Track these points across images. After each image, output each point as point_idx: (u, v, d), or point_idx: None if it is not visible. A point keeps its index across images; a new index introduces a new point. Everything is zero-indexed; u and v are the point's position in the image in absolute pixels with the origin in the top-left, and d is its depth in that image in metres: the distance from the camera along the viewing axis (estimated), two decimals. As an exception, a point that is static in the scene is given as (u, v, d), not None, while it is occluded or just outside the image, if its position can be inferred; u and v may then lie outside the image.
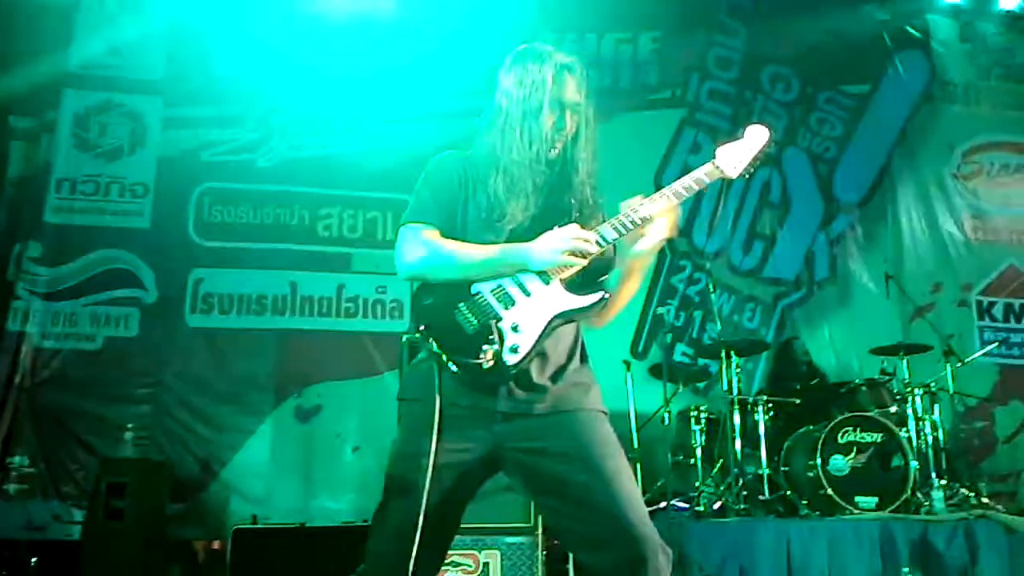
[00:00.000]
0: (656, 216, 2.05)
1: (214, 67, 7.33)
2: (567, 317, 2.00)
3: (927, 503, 5.31)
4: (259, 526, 5.98)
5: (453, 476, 1.91)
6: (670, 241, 7.26)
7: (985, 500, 5.53)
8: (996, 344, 6.95)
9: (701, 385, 7.18)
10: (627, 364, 5.77)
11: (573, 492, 1.86)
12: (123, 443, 5.78)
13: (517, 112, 2.09)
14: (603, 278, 2.10)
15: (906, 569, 4.79)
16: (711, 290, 6.56)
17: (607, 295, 2.04)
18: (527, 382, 1.93)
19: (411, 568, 1.77)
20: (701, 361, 7.30)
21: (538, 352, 1.93)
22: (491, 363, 1.87)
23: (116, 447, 5.90)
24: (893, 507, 5.13)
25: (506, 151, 2.06)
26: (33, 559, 5.96)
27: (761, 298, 7.87)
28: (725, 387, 5.73)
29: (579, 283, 2.03)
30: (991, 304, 8.19)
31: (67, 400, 6.42)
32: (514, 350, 1.91)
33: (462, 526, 4.19)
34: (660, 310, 6.50)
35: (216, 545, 6.15)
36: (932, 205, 8.33)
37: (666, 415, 5.56)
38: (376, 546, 1.92)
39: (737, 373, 5.75)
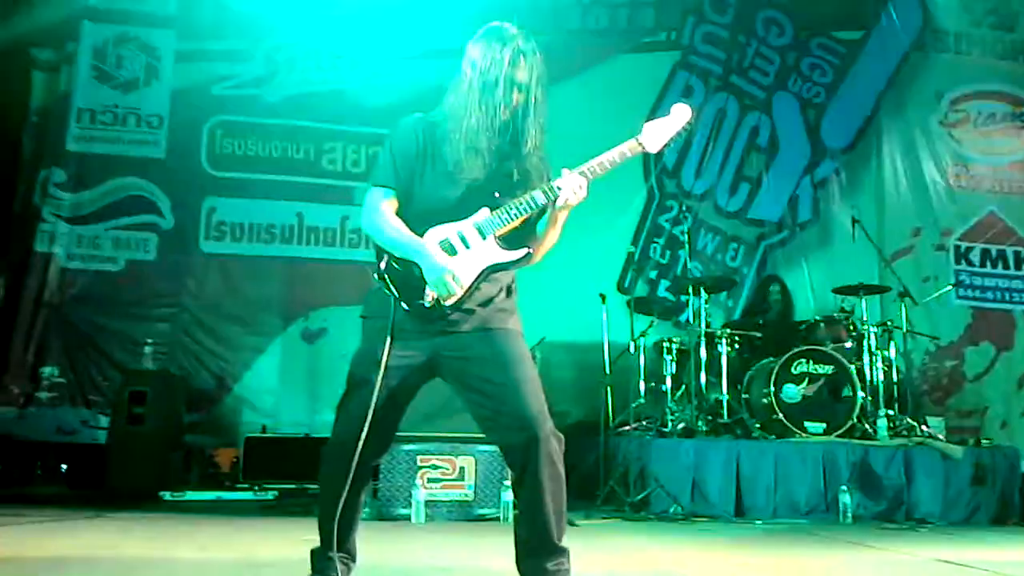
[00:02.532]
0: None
1: (225, 1, 7.67)
2: (497, 268, 2.43)
3: (872, 431, 5.78)
4: (268, 435, 6.61)
5: (402, 376, 2.42)
6: (659, 181, 7.57)
7: (927, 430, 5.98)
8: (949, 288, 7.34)
9: (682, 319, 7.58)
10: (603, 297, 6.22)
11: (490, 389, 2.37)
12: (144, 357, 6.30)
13: (478, 83, 2.43)
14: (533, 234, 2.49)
15: (844, 487, 5.30)
16: (692, 229, 6.92)
17: (531, 251, 2.46)
18: (460, 308, 2.39)
19: (360, 445, 2.30)
20: (682, 298, 7.71)
21: (474, 290, 2.38)
22: (432, 303, 2.36)
23: (137, 361, 6.44)
24: (839, 433, 5.63)
25: (467, 115, 2.42)
26: (63, 466, 6.60)
27: (745, 238, 8.25)
28: (689, 320, 6.21)
29: (512, 238, 2.44)
30: (968, 249, 8.52)
31: (92, 317, 7.02)
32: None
33: (442, 435, 4.81)
34: (631, 248, 6.88)
35: (232, 456, 6.70)
36: (916, 152, 8.60)
37: (632, 345, 6.02)
38: (339, 426, 2.46)
39: (706, 307, 6.19)
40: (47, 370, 6.87)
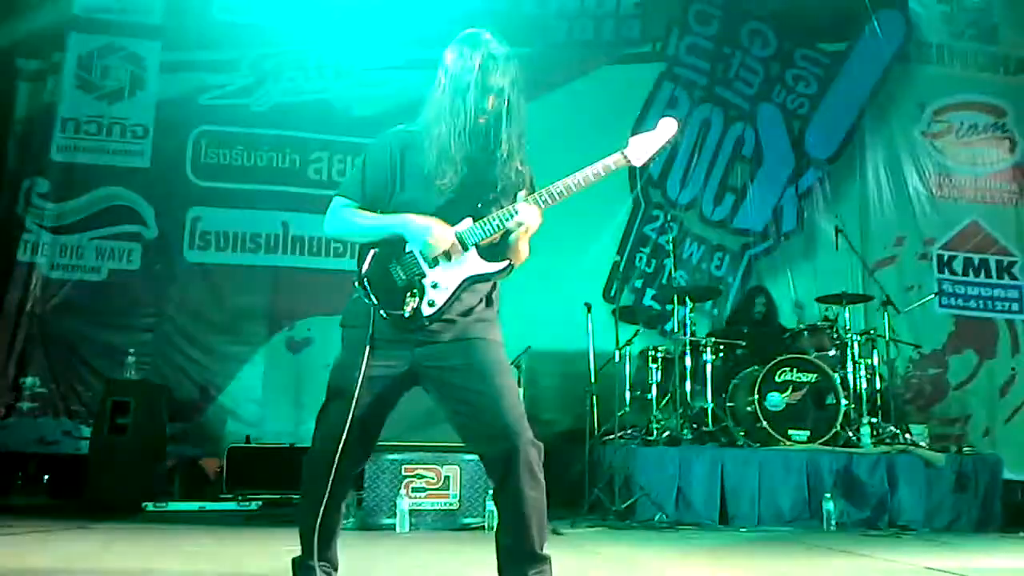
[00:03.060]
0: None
1: (210, 12, 7.68)
2: (478, 280, 2.43)
3: (855, 438, 5.81)
4: (252, 445, 6.57)
5: (382, 386, 2.42)
6: (645, 191, 7.63)
7: (910, 437, 6.01)
8: (932, 296, 7.41)
9: (667, 327, 7.59)
10: (588, 307, 6.23)
11: (470, 398, 2.37)
12: (126, 366, 6.25)
13: (450, 89, 2.42)
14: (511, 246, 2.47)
15: (828, 495, 5.32)
16: (677, 239, 6.96)
17: (513, 263, 2.47)
18: (441, 318, 2.39)
19: (339, 451, 2.30)
20: (668, 307, 7.73)
21: (455, 300, 2.38)
22: (411, 313, 2.37)
23: (120, 370, 6.39)
24: (823, 441, 5.65)
25: (438, 122, 2.42)
26: (46, 477, 6.55)
27: (729, 247, 8.29)
28: (675, 328, 6.24)
29: (492, 249, 2.44)
30: (951, 258, 8.58)
31: (75, 326, 6.96)
32: (431, 304, 2.39)
33: (427, 444, 4.80)
34: (616, 258, 6.92)
35: (217, 466, 6.67)
36: (900, 162, 8.67)
37: (617, 354, 6.04)
38: (319, 435, 2.44)
39: (691, 316, 6.22)
40: (29, 380, 6.81)
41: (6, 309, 6.89)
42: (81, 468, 6.06)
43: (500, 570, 2.37)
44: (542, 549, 2.35)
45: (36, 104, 7.44)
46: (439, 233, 2.36)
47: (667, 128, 2.51)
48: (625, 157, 2.47)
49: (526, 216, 2.36)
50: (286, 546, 2.51)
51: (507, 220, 2.37)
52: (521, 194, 2.42)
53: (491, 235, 2.40)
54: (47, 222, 7.15)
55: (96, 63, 7.53)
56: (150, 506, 5.68)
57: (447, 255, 2.38)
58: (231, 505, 5.99)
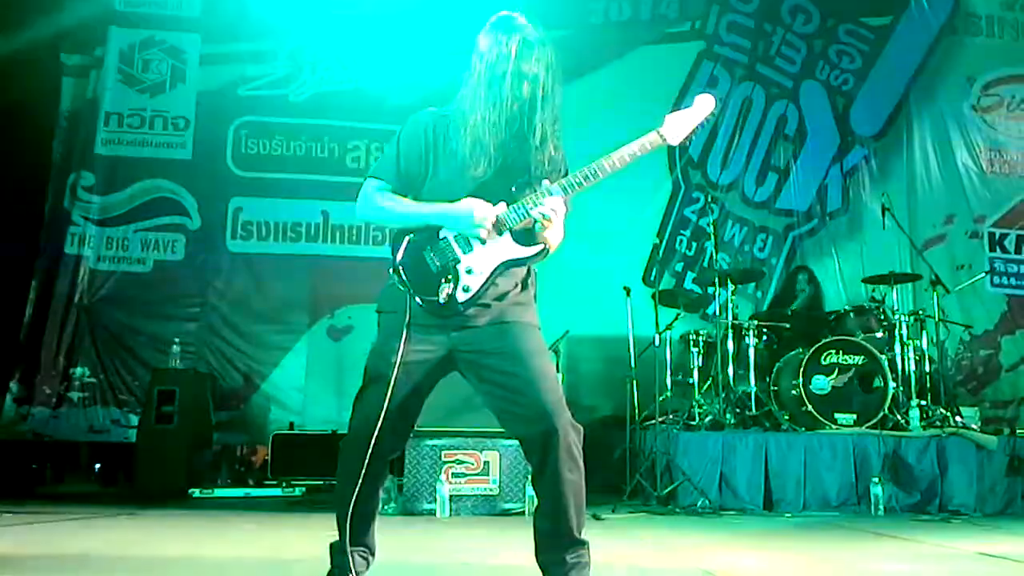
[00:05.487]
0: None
1: (248, 4, 7.73)
2: (513, 264, 2.40)
3: (904, 422, 5.67)
4: (296, 432, 6.66)
5: (419, 371, 2.40)
6: (685, 172, 7.51)
7: (960, 420, 5.84)
8: (983, 275, 7.19)
9: (709, 311, 7.49)
10: (627, 291, 6.15)
11: (507, 381, 2.34)
12: (172, 356, 6.36)
13: (485, 77, 2.37)
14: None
15: (876, 479, 5.20)
16: (718, 221, 6.84)
17: (548, 247, 2.42)
18: (476, 303, 2.36)
19: (374, 438, 2.29)
20: (709, 290, 7.63)
21: (490, 284, 2.36)
22: (446, 300, 2.34)
23: (166, 360, 6.50)
24: (870, 424, 5.52)
25: (472, 111, 2.38)
26: (97, 465, 6.72)
27: (772, 229, 8.15)
28: (716, 312, 6.14)
29: (526, 234, 2.40)
30: (1003, 236, 8.33)
31: (121, 317, 7.12)
32: (466, 290, 2.36)
33: (466, 430, 4.80)
34: (656, 241, 6.83)
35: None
36: (949, 138, 8.44)
37: (658, 338, 5.97)
38: (356, 421, 2.42)
39: (733, 299, 6.11)
40: (78, 371, 6.98)
41: (55, 301, 7.06)
42: (130, 456, 6.20)
43: (537, 554, 2.35)
44: (580, 533, 2.32)
45: (80, 99, 7.60)
46: (481, 212, 2.34)
47: (704, 105, 2.44)
48: (661, 136, 2.41)
49: (548, 207, 2.31)
50: (327, 531, 2.51)
51: (533, 208, 2.34)
52: (545, 182, 2.37)
53: (523, 220, 2.36)
54: (93, 215, 7.31)
55: (137, 57, 7.65)
56: (197, 492, 5.78)
57: (481, 240, 2.35)
58: (276, 491, 6.08)
